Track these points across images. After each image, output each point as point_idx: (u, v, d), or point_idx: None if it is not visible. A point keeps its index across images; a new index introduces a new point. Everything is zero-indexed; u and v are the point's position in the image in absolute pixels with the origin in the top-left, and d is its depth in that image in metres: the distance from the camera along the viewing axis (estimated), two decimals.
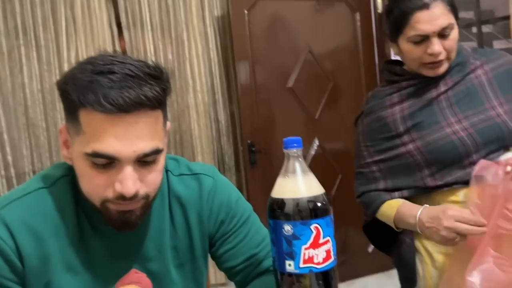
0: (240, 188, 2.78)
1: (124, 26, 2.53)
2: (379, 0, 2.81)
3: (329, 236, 0.64)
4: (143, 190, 0.68)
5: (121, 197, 0.66)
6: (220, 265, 0.86)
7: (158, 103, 0.66)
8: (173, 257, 0.80)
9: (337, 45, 2.72)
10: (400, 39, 1.07)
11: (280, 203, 0.64)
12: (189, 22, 2.61)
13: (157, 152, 0.68)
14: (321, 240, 0.63)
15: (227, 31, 2.65)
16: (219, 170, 2.67)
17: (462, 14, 4.48)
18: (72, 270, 0.72)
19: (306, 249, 0.62)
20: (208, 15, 2.67)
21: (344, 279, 2.69)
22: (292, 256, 0.62)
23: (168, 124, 0.75)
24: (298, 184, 0.65)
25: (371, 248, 2.78)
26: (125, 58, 0.67)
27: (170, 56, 2.62)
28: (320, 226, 0.63)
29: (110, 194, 0.66)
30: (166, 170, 0.81)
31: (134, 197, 0.66)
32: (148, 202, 0.71)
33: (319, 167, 2.66)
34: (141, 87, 0.63)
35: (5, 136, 2.32)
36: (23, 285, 0.70)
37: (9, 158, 2.32)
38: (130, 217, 0.69)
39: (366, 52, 2.77)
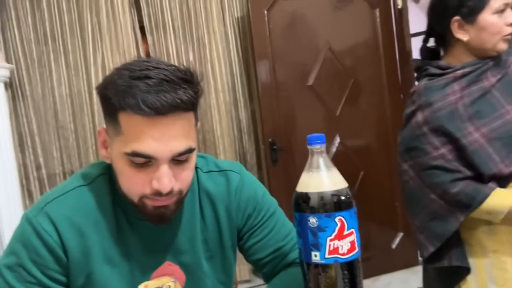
0: None
1: (147, 30, 2.60)
2: None
3: (353, 228, 0.67)
4: (177, 186, 0.72)
5: (158, 193, 0.70)
6: (248, 257, 0.90)
7: (192, 105, 0.71)
8: (204, 249, 0.84)
9: (357, 41, 2.72)
10: (484, 14, 1.10)
11: (305, 196, 0.67)
12: (209, 24, 2.67)
13: (190, 151, 0.72)
14: (346, 232, 0.65)
15: (247, 32, 2.69)
16: None
17: None
18: (111, 262, 0.76)
19: (331, 240, 0.65)
20: (228, 16, 2.71)
21: (368, 275, 2.70)
22: (318, 247, 0.65)
23: (199, 123, 0.79)
24: (322, 178, 0.68)
25: (394, 244, 2.78)
26: (159, 63, 0.71)
27: (191, 58, 2.68)
28: (344, 218, 0.65)
29: (147, 190, 0.71)
30: (196, 167, 0.85)
31: (170, 193, 0.71)
32: (181, 198, 0.75)
33: (340, 163, 2.64)
34: (176, 91, 0.67)
35: (37, 139, 2.42)
36: (67, 276, 0.75)
37: (41, 159, 2.42)
38: (165, 211, 0.73)
39: (386, 48, 2.76)
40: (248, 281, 2.77)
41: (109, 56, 2.50)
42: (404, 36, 2.83)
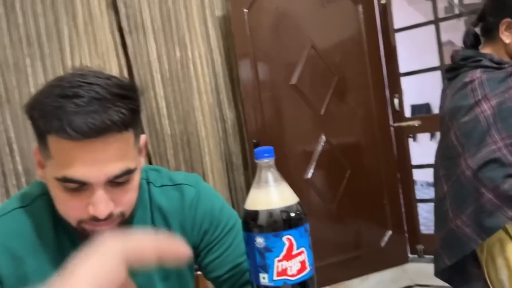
0: (248, 186, 2.77)
1: (126, 32, 2.55)
2: None
3: (304, 247, 0.63)
4: (117, 209, 0.68)
5: (95, 219, 0.66)
6: (206, 275, 0.86)
7: (126, 126, 0.65)
8: (158, 270, 0.80)
9: (340, 39, 2.68)
10: None
11: (253, 215, 0.63)
12: (190, 24, 2.61)
13: (129, 172, 0.67)
14: (295, 252, 0.62)
15: (229, 31, 2.64)
16: (227, 170, 2.71)
17: (471, 0, 4.34)
18: None
19: (279, 261, 0.61)
20: (209, 16, 2.66)
21: (358, 274, 2.67)
22: (266, 268, 0.62)
23: (143, 138, 0.75)
24: (270, 194, 0.64)
25: (383, 242, 2.75)
26: (95, 77, 0.66)
27: (172, 59, 2.63)
28: (293, 237, 0.62)
29: (84, 215, 0.67)
30: (148, 182, 0.81)
31: (109, 217, 0.67)
32: (124, 219, 0.71)
33: (327, 163, 2.65)
34: (106, 111, 0.62)
35: (15, 146, 2.37)
36: None
37: (19, 167, 2.38)
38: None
39: (370, 44, 2.72)
40: None
41: (88, 60, 2.45)
42: (388, 31, 2.79)
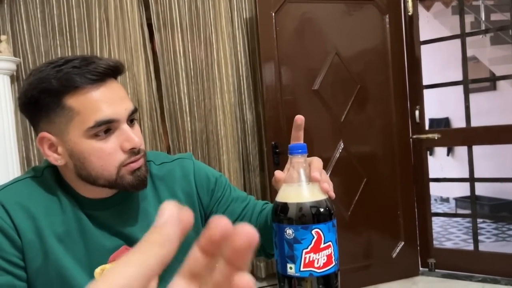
0: (264, 188, 2.80)
1: (155, 28, 2.61)
2: (410, 3, 2.76)
3: (331, 241, 0.65)
4: (142, 144, 0.79)
5: (132, 153, 0.77)
6: None
7: (120, 73, 0.79)
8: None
9: (365, 47, 2.69)
10: None
11: (283, 207, 0.66)
12: (218, 24, 2.66)
13: (136, 110, 0.80)
14: (322, 245, 0.64)
15: (255, 33, 2.68)
16: (243, 170, 2.74)
17: (498, 16, 4.32)
18: (65, 244, 0.78)
19: (307, 253, 0.64)
20: (237, 17, 2.71)
21: (366, 283, 2.67)
22: (293, 259, 0.64)
23: None
24: (301, 189, 0.67)
25: (395, 253, 2.75)
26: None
27: (198, 58, 2.68)
28: (322, 231, 0.64)
29: (121, 156, 0.76)
30: (149, 161, 0.87)
31: (142, 150, 0.79)
32: (145, 160, 0.81)
33: (343, 170, 2.66)
34: (100, 61, 0.75)
35: None
36: (23, 259, 0.76)
37: None
38: (141, 174, 0.79)
39: (395, 54, 2.73)
40: None
41: (116, 53, 2.51)
42: (414, 43, 2.79)
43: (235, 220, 0.92)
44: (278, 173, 0.76)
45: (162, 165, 0.89)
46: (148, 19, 2.62)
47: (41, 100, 0.74)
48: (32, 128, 2.36)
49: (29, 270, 0.77)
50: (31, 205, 0.77)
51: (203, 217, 0.91)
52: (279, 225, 0.66)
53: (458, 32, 2.78)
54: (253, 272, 2.83)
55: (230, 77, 2.70)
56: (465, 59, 2.75)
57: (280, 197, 0.67)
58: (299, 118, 0.76)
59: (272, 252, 0.71)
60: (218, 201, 0.91)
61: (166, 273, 0.86)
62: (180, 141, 2.67)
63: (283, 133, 2.52)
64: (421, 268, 2.83)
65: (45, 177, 0.81)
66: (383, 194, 2.74)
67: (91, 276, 0.80)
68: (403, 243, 2.77)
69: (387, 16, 2.70)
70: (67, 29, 2.45)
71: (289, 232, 0.64)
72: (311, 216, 0.64)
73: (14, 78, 2.36)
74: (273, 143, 2.52)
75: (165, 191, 0.88)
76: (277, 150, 2.50)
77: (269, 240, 0.75)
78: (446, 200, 5.17)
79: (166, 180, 0.88)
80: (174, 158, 0.93)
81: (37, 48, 2.42)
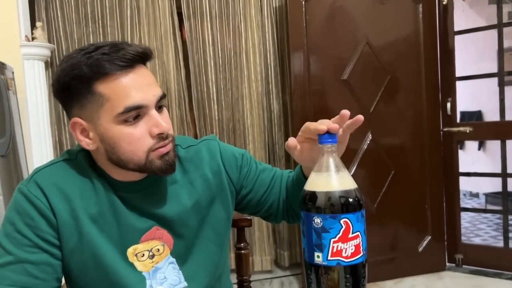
0: None
1: (185, 16, 2.62)
2: None
3: (359, 232, 0.65)
4: (170, 130, 0.81)
5: (161, 138, 0.78)
6: (254, 200, 0.95)
7: (148, 59, 0.81)
8: (194, 213, 0.87)
9: (397, 37, 2.63)
10: None
11: (312, 196, 0.66)
12: (247, 13, 2.65)
13: (165, 96, 0.81)
14: (351, 235, 0.64)
15: (284, 22, 2.66)
16: (269, 160, 2.74)
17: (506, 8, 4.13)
18: (99, 225, 0.81)
19: (335, 242, 0.64)
20: (266, 6, 2.69)
21: (391, 276, 2.65)
22: (321, 248, 0.64)
23: None
24: (331, 178, 0.66)
25: (421, 247, 2.71)
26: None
27: (227, 46, 2.68)
28: (350, 220, 0.64)
29: (150, 142, 0.78)
30: (176, 145, 0.88)
31: (170, 135, 0.80)
32: (173, 145, 0.83)
33: (371, 162, 2.63)
34: (129, 47, 0.76)
35: None
36: (59, 239, 0.79)
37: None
38: (169, 158, 0.81)
39: (427, 45, 2.66)
40: (269, 271, 2.78)
41: (147, 41, 2.54)
42: (447, 33, 2.71)
43: (266, 190, 0.94)
44: (291, 140, 0.81)
45: (189, 148, 0.91)
46: (178, 7, 2.64)
47: (73, 87, 0.76)
48: (64, 113, 2.41)
49: (64, 250, 0.79)
50: (67, 187, 0.80)
51: (233, 193, 0.93)
52: (307, 214, 0.66)
53: (494, 22, 2.68)
54: (276, 261, 2.85)
55: (258, 66, 2.69)
56: (501, 50, 2.66)
57: (309, 186, 0.67)
58: (348, 114, 0.76)
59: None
60: (247, 175, 0.94)
61: (194, 252, 0.88)
62: (208, 130, 2.69)
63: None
64: (448, 263, 2.78)
65: (79, 160, 0.84)
66: (411, 187, 2.69)
67: (124, 256, 0.82)
68: (430, 237, 2.72)
69: (421, 5, 2.63)
70: (99, 17, 2.49)
71: (317, 221, 0.64)
72: (340, 205, 0.64)
73: (49, 64, 2.43)
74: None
75: (194, 172, 0.89)
76: None
77: (297, 204, 0.77)
78: (476, 195, 5.04)
79: (194, 162, 0.90)
80: (199, 140, 0.95)
81: (70, 35, 2.47)
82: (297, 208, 0.87)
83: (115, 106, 0.75)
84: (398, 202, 2.66)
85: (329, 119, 0.75)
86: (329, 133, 0.69)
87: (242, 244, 1.25)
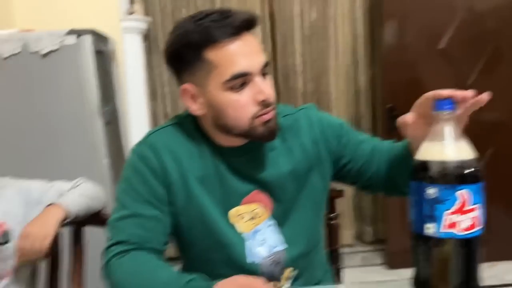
0: None
1: None
2: None
3: (478, 204, 0.61)
4: (272, 97, 0.82)
5: (265, 105, 0.80)
6: (354, 168, 0.93)
7: (254, 26, 0.80)
8: (291, 179, 0.89)
9: (500, 2, 2.38)
10: None
11: (425, 165, 0.63)
12: None
13: (268, 63, 0.82)
14: (467, 207, 0.61)
15: None
16: None
17: None
18: (206, 186, 0.85)
19: (449, 214, 0.61)
20: None
21: (485, 259, 2.49)
22: (434, 219, 0.62)
23: None
24: (446, 147, 0.63)
25: None
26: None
27: (314, 16, 2.62)
28: (468, 192, 0.60)
29: (255, 108, 0.80)
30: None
31: (273, 102, 0.81)
32: (275, 113, 0.83)
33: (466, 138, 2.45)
34: (237, 15, 0.77)
35: (166, 90, 2.63)
36: (170, 196, 0.84)
37: (168, 109, 2.64)
38: (272, 125, 0.82)
39: None
40: (350, 245, 2.76)
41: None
42: None
43: (365, 160, 0.92)
44: (407, 115, 0.78)
45: (288, 117, 0.92)
46: None
47: (184, 54, 0.79)
48: (159, 84, 2.52)
49: (174, 208, 0.85)
50: (177, 149, 0.85)
51: (331, 163, 0.93)
52: (419, 184, 0.63)
53: None
54: (361, 237, 2.81)
55: (346, 36, 2.61)
56: None
57: (422, 155, 0.65)
58: (471, 95, 0.70)
59: (405, 190, 0.69)
60: (346, 145, 0.93)
61: (292, 217, 0.88)
62: (291, 102, 2.68)
63: (401, 96, 2.38)
64: None
65: (187, 124, 0.88)
66: (510, 167, 2.48)
67: (226, 217, 0.86)
68: None
69: None
70: None
71: (431, 192, 0.62)
72: (456, 176, 0.61)
73: (146, 37, 2.55)
74: (389, 106, 2.40)
75: (293, 140, 0.90)
76: (394, 113, 2.38)
77: (404, 175, 0.75)
78: None
79: (293, 130, 0.90)
80: (298, 109, 0.95)
81: (164, 9, 2.56)
82: (400, 179, 0.85)
83: (222, 73, 0.77)
84: (496, 183, 2.46)
85: (422, 93, 0.72)
86: (445, 99, 0.64)
87: (332, 215, 1.25)
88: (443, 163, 0.61)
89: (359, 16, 2.61)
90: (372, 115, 2.72)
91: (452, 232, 0.61)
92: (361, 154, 0.92)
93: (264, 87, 0.79)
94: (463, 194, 0.60)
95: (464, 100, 0.68)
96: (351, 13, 2.60)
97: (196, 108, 0.83)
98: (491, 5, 2.38)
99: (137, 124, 2.43)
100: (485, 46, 2.39)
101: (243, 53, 0.77)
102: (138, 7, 2.40)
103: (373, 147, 0.93)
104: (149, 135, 0.88)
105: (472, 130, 2.47)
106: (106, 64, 2.13)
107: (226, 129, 0.82)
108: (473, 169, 0.61)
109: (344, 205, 2.69)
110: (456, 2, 2.36)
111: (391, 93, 2.41)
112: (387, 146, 0.93)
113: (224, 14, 0.77)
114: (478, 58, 2.40)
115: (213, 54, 0.77)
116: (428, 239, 0.63)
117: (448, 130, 0.63)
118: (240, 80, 0.78)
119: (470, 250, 0.63)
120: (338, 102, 2.66)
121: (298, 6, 2.60)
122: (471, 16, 2.37)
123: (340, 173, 0.95)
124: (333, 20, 2.59)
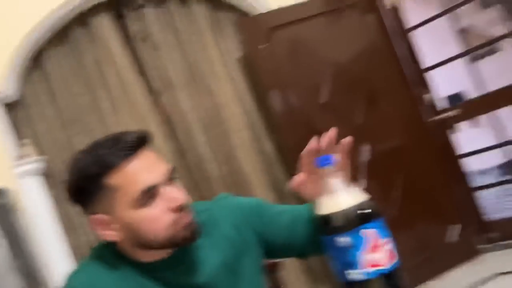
0: None
1: (158, 92, 2.70)
2: None
3: (386, 237, 0.67)
4: (186, 200, 0.82)
5: (180, 209, 0.80)
6: (281, 242, 0.94)
7: (148, 141, 0.84)
8: (224, 272, 0.88)
9: (359, 50, 2.73)
10: None
11: (327, 218, 0.68)
12: (214, 72, 2.73)
13: (175, 169, 0.84)
14: (378, 243, 0.66)
15: (252, 69, 2.75)
16: (279, 199, 2.73)
17: None
18: None
19: (365, 254, 0.65)
20: (229, 60, 2.79)
21: (431, 276, 2.59)
22: (353, 264, 0.66)
23: None
24: (340, 196, 0.69)
25: (452, 237, 2.67)
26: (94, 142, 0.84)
27: (206, 107, 2.74)
28: (373, 230, 0.66)
29: (171, 216, 0.80)
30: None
31: (187, 204, 0.82)
32: (192, 213, 0.84)
33: (376, 172, 2.64)
34: (128, 134, 0.81)
35: (84, 218, 2.49)
36: None
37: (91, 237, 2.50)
38: (193, 226, 0.83)
39: (384, 48, 2.77)
40: None
41: (129, 124, 2.58)
42: (403, 32, 2.83)
43: (290, 231, 0.93)
44: (295, 178, 0.85)
45: (203, 213, 0.92)
46: (150, 86, 2.72)
47: (84, 187, 0.80)
48: (74, 218, 2.36)
49: None
50: (102, 287, 0.82)
51: (259, 243, 0.94)
52: (328, 237, 0.68)
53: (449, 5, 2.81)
54: None
55: (240, 116, 2.75)
56: (461, 32, 2.78)
57: (321, 210, 0.70)
58: (333, 133, 0.81)
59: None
60: (268, 222, 0.94)
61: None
62: (211, 188, 2.69)
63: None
64: (480, 246, 2.73)
65: (107, 255, 0.85)
66: (419, 185, 2.70)
67: None
68: (456, 226, 2.70)
69: (370, 15, 2.76)
70: (79, 117, 2.55)
71: (341, 240, 0.66)
72: (358, 218, 0.66)
73: (46, 175, 2.44)
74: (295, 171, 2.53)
75: (214, 232, 0.91)
76: None
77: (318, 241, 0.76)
78: (484, 172, 5.04)
79: (211, 223, 0.91)
80: (211, 202, 0.97)
81: (55, 141, 2.51)
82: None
83: (128, 193, 0.78)
84: (413, 202, 2.65)
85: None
86: (324, 156, 0.72)
87: None
88: (342, 212, 0.67)
89: (245, 95, 2.79)
90: (289, 177, 2.81)
91: (373, 270, 0.65)
92: (283, 226, 0.93)
93: (175, 193, 0.80)
94: (370, 233, 0.66)
95: (330, 142, 0.78)
96: (237, 96, 2.77)
97: (111, 234, 0.82)
98: (352, 54, 2.72)
99: (60, 263, 2.26)
100: (359, 90, 2.69)
101: (142, 169, 0.79)
102: (28, 149, 2.34)
103: (293, 216, 0.94)
104: (69, 279, 0.84)
105: (382, 161, 2.65)
106: (7, 217, 2.01)
107: (149, 245, 0.81)
108: (370, 208, 0.67)
109: (294, 270, 2.67)
110: (322, 60, 2.67)
111: (295, 154, 2.55)
112: (305, 209, 0.95)
113: (116, 139, 0.80)
114: (359, 101, 2.68)
115: (113, 180, 0.78)
116: (354, 283, 0.66)
117: (335, 181, 0.70)
118: (148, 195, 0.78)
119: (394, 281, 0.67)
120: (254, 175, 2.73)
121: (187, 103, 2.70)
122: (341, 67, 2.67)
123: (271, 250, 0.96)
124: (224, 105, 2.73)
